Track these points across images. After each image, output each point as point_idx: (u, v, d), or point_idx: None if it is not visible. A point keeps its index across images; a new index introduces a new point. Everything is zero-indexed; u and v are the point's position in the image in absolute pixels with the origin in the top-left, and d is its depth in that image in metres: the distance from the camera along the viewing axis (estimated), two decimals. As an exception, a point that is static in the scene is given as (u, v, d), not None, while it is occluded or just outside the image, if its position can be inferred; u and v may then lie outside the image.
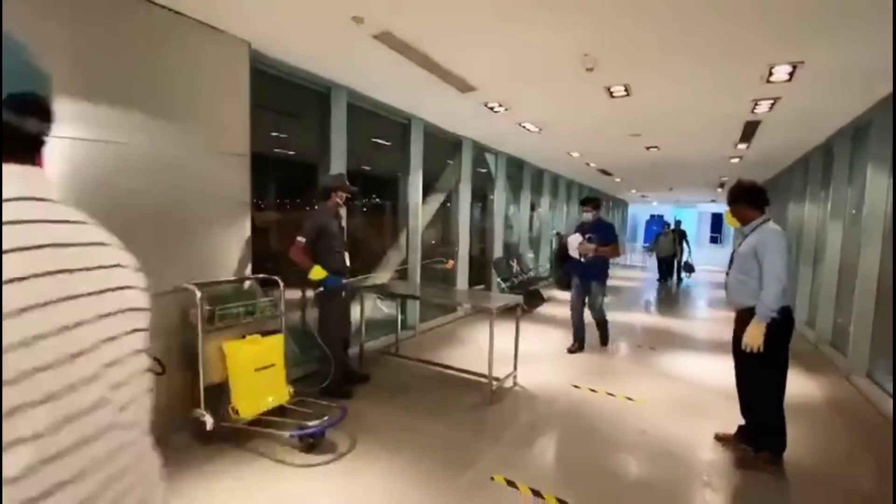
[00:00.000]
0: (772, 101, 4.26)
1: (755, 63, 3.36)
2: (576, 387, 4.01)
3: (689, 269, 11.05)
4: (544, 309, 7.34)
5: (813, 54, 3.19)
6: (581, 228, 4.93)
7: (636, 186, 14.63)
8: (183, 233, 2.95)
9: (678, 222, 11.67)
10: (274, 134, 4.39)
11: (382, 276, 5.51)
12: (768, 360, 2.54)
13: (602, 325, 5.11)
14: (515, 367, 4.04)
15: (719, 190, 13.83)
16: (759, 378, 2.64)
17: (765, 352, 2.49)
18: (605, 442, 3.06)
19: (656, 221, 24.85)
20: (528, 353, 4.19)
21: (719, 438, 3.07)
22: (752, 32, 2.87)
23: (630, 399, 3.77)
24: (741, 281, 2.65)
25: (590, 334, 5.10)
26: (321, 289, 3.38)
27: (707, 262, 16.48)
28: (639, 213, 26.64)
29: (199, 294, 2.74)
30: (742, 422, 2.96)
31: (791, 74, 3.51)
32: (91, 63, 2.48)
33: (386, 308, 5.47)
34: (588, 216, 4.90)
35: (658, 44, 3.09)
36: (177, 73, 2.87)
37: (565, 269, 5.30)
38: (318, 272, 3.33)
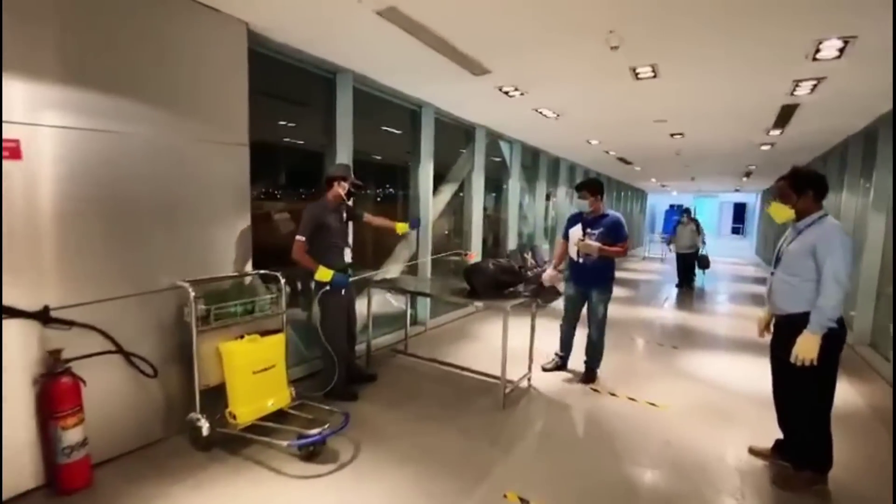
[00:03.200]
0: (815, 82, 3.89)
1: (801, 37, 3.01)
2: (594, 390, 3.78)
3: (705, 264, 9.23)
4: (560, 303, 7.07)
5: (867, 28, 2.84)
6: (579, 219, 3.81)
7: (656, 175, 14.12)
8: (178, 226, 2.79)
9: (687, 210, 9.73)
10: (277, 122, 4.19)
11: (392, 271, 5.32)
12: (817, 373, 2.27)
13: (596, 346, 3.89)
14: (530, 368, 3.82)
15: (745, 179, 13.27)
16: (804, 391, 2.37)
17: (816, 364, 2.22)
18: (626, 454, 2.83)
19: (676, 211, 24.17)
20: (542, 351, 3.98)
21: (754, 452, 2.81)
22: (801, 0, 2.54)
23: (653, 405, 3.52)
24: (790, 283, 2.36)
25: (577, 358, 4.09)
26: (327, 287, 3.19)
27: (729, 254, 15.98)
28: (657, 203, 25.92)
29: (192, 292, 2.57)
30: (780, 435, 2.71)
31: (841, 51, 3.16)
32: (77, 46, 2.30)
33: (395, 302, 5.28)
34: (585, 204, 3.77)
35: (692, 17, 2.77)
36: (170, 57, 2.68)
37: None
38: (323, 273, 3.14)
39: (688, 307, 7.55)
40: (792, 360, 2.27)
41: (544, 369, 4.03)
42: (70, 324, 2.33)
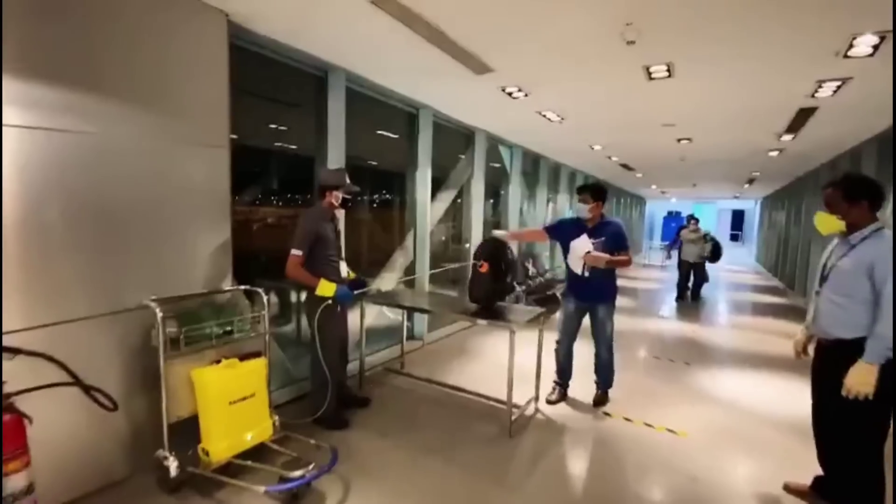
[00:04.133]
0: (839, 83, 3.65)
1: (835, 32, 2.77)
2: (606, 414, 3.48)
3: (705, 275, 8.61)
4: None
5: (907, 21, 2.59)
6: (582, 228, 3.40)
7: (658, 182, 13.92)
8: (149, 237, 2.48)
9: (692, 217, 8.80)
10: (263, 124, 3.90)
11: (387, 282, 5.02)
12: (871, 406, 1.99)
13: (607, 366, 3.58)
14: (537, 392, 3.52)
15: (747, 186, 13.09)
16: (854, 426, 2.09)
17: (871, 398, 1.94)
18: (650, 493, 2.53)
19: (674, 218, 24.03)
20: (548, 369, 3.61)
21: (790, 490, 2.52)
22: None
23: (671, 431, 3.23)
24: (840, 305, 2.08)
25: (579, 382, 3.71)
26: (329, 302, 2.89)
27: (729, 261, 15.77)
28: (656, 210, 25.77)
29: (160, 312, 2.27)
30: (819, 470, 2.42)
31: (875, 48, 2.91)
32: (35, 36, 2.02)
33: (391, 314, 4.98)
34: (580, 209, 3.38)
35: (718, 8, 2.52)
36: (140, 50, 2.39)
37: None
38: (325, 287, 2.84)
39: (694, 318, 7.28)
40: (844, 393, 1.99)
41: (549, 402, 3.59)
42: (14, 351, 2.02)
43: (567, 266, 3.52)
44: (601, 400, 3.61)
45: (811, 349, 2.44)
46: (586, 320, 3.58)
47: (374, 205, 5.41)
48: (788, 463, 2.77)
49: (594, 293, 3.44)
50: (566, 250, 3.49)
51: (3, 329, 1.97)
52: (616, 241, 3.34)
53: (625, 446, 3.02)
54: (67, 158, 2.16)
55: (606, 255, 3.25)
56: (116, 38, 2.30)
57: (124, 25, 2.32)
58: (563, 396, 3.67)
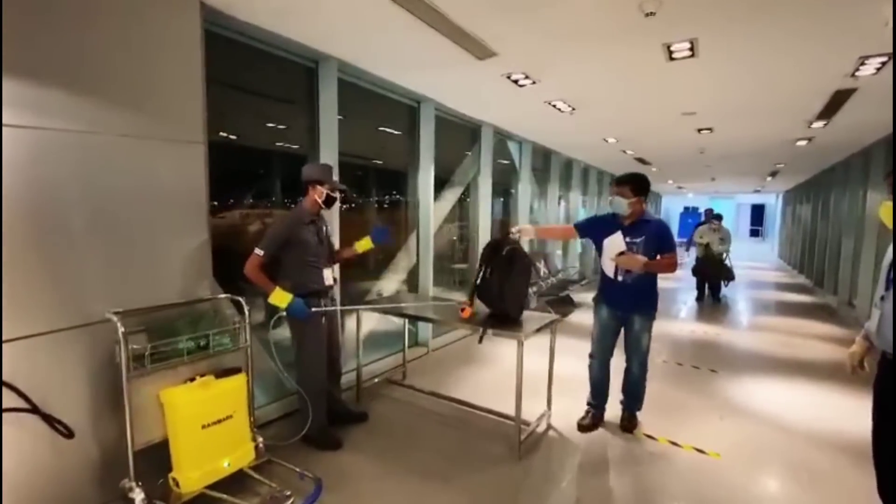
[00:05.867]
0: (884, 59, 3.26)
1: (888, -3, 2.41)
2: (626, 430, 3.14)
3: (729, 275, 7.93)
4: (577, 317, 6.45)
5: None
6: (616, 226, 2.96)
7: (674, 177, 13.40)
8: (113, 242, 2.24)
9: (712, 212, 8.18)
10: (250, 120, 3.66)
11: (389, 285, 4.76)
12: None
13: (638, 385, 3.13)
14: (549, 405, 3.20)
15: (769, 179, 12.52)
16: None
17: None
18: (679, 527, 2.21)
19: (691, 214, 23.34)
20: (561, 377, 3.23)
21: (845, 526, 2.18)
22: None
23: (701, 451, 2.89)
24: (912, 314, 1.74)
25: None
26: (282, 313, 2.60)
27: (748, 258, 15.15)
28: (671, 205, 25.10)
29: (121, 327, 2.02)
30: (878, 502, 2.07)
31: (934, 14, 2.53)
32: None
33: (393, 319, 4.70)
34: (618, 205, 2.90)
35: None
36: (104, 38, 2.15)
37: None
38: (278, 297, 2.54)
39: (716, 320, 6.85)
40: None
41: (581, 428, 3.13)
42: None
43: (601, 268, 3.10)
44: (629, 425, 3.13)
45: (868, 363, 2.09)
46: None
47: (376, 205, 5.14)
48: (841, 492, 2.42)
49: (629, 301, 2.97)
50: (599, 250, 3.07)
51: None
52: (659, 243, 2.87)
53: (648, 470, 2.69)
54: (24, 156, 1.93)
55: (643, 259, 2.79)
56: (85, 30, 2.07)
57: (90, 12, 2.09)
58: (597, 421, 3.18)
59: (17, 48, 1.90)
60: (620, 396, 3.20)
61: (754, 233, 25.59)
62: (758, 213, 25.69)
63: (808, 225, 11.57)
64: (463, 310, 2.92)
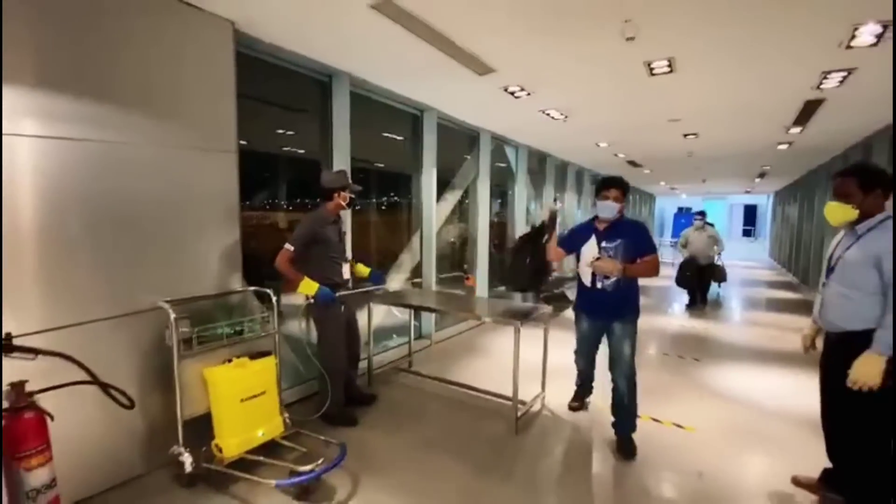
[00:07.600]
0: (844, 74, 3.62)
1: (836, 22, 2.76)
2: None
3: (722, 276, 7.70)
4: (570, 312, 6.77)
5: (910, 10, 2.58)
6: (591, 231, 2.87)
7: (666, 178, 13.80)
8: (161, 241, 2.57)
9: (702, 213, 7.64)
10: (270, 129, 3.99)
11: (395, 282, 5.08)
12: (878, 398, 1.98)
13: (627, 404, 2.86)
14: (543, 388, 3.54)
15: (758, 180, 12.92)
16: (861, 418, 2.08)
17: (878, 389, 1.93)
18: (656, 488, 2.54)
19: (685, 215, 23.77)
20: (554, 365, 3.60)
21: (799, 483, 2.51)
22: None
23: (679, 426, 3.23)
24: (847, 297, 2.06)
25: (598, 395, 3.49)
26: (311, 301, 2.95)
27: (740, 257, 15.56)
28: (665, 206, 25.52)
29: (173, 314, 2.34)
30: (828, 463, 2.41)
31: (879, 37, 2.89)
32: (51, 48, 2.12)
33: (399, 314, 5.03)
34: (609, 209, 2.76)
35: (715, 2, 2.53)
36: (149, 59, 2.47)
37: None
38: (307, 286, 2.89)
39: (706, 315, 7.20)
40: (849, 384, 1.99)
41: (571, 408, 3.42)
42: (35, 352, 2.11)
43: (577, 276, 3.01)
44: (629, 451, 2.82)
45: (819, 342, 2.43)
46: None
47: (382, 207, 5.46)
48: (797, 456, 2.75)
49: (610, 308, 2.82)
50: (579, 258, 2.97)
51: (24, 331, 2.06)
52: (637, 245, 2.75)
53: (631, 441, 3.03)
54: (83, 166, 2.25)
55: (619, 266, 2.67)
56: (130, 51, 2.39)
57: (139, 40, 2.42)
58: (584, 396, 3.46)
59: (101, 81, 2.25)
60: (612, 420, 2.96)
61: (747, 232, 26.06)
62: (750, 213, 26.16)
63: (795, 224, 11.97)
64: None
